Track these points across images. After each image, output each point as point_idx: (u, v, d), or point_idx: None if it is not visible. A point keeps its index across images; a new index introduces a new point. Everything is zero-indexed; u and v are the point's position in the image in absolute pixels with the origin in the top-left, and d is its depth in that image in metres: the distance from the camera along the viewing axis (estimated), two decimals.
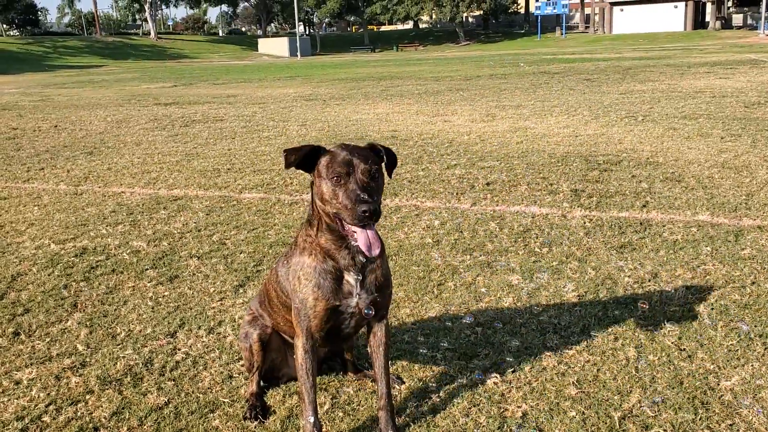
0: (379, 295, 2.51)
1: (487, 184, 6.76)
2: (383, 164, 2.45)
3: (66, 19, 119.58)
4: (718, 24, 69.52)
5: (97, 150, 9.92)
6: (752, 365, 3.06)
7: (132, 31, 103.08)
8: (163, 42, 79.77)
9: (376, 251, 2.33)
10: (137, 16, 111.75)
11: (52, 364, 3.29)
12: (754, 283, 4.01)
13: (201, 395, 2.96)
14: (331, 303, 2.45)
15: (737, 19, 72.36)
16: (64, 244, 5.24)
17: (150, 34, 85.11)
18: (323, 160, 2.35)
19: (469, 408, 2.80)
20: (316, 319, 2.47)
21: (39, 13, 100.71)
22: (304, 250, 2.49)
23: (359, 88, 20.25)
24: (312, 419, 2.53)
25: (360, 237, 2.32)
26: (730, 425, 2.63)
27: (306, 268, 2.47)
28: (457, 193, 6.42)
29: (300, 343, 2.51)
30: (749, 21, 70.56)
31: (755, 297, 3.80)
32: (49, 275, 4.55)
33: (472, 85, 19.13)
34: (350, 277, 2.45)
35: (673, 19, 70.37)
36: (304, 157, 2.39)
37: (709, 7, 72.19)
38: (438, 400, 2.87)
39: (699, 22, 71.75)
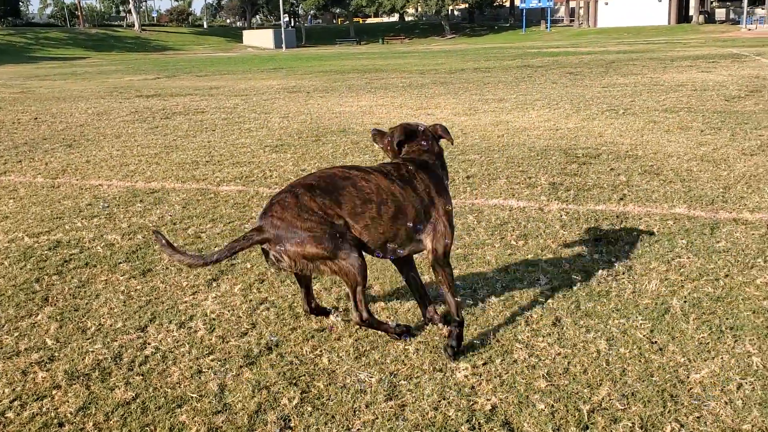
0: None
1: (467, 177, 6.75)
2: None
3: (48, 10, 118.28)
4: (701, 18, 69.96)
5: (77, 142, 9.82)
6: (722, 358, 3.07)
7: (116, 23, 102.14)
8: (147, 34, 79.14)
9: None
10: (121, 8, 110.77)
11: (20, 358, 3.24)
12: (727, 275, 4.03)
13: (169, 390, 2.93)
14: None
15: (720, 13, 72.87)
16: (38, 238, 5.18)
17: (134, 25, 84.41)
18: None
19: (439, 401, 2.79)
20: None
21: (21, 3, 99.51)
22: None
23: (343, 80, 20.18)
24: None
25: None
26: (698, 418, 2.64)
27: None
28: None
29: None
30: (732, 15, 71.05)
31: (728, 290, 3.82)
32: (21, 269, 4.49)
33: (457, 79, 19.12)
34: None
35: (657, 13, 70.76)
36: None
37: (693, 2, 72.63)
38: (408, 393, 2.86)
39: (683, 16, 72.19)
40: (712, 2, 75.73)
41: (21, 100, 16.97)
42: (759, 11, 65.72)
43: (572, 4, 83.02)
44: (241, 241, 2.96)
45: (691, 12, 72.51)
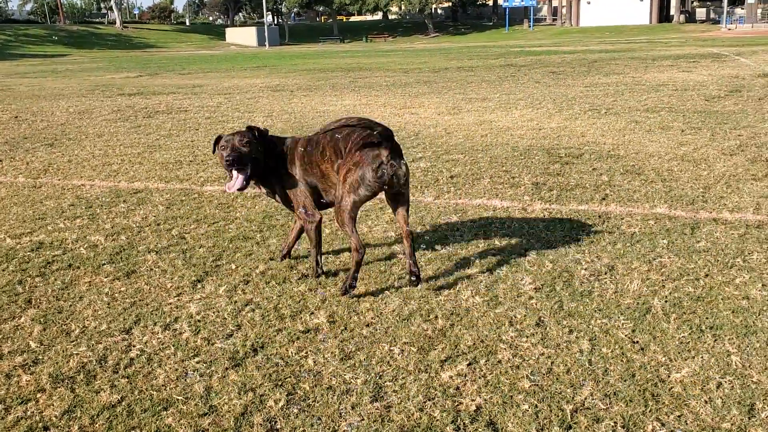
0: None
1: (451, 177, 6.78)
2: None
3: (28, 7, 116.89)
4: (682, 18, 70.56)
5: (58, 142, 9.75)
6: (702, 357, 3.12)
7: (97, 20, 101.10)
8: (129, 31, 78.51)
9: (231, 190, 3.91)
10: (102, 5, 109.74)
11: (3, 362, 3.23)
12: (707, 275, 4.08)
13: (155, 393, 2.93)
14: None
15: (701, 13, 73.52)
16: (20, 239, 5.14)
17: (115, 23, 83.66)
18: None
19: (424, 402, 2.81)
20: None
21: None
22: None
23: (327, 79, 20.16)
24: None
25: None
26: (679, 416, 2.68)
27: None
28: (421, 186, 6.43)
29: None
30: (712, 15, 71.73)
31: (708, 289, 3.87)
32: (3, 271, 4.46)
33: (440, 78, 19.17)
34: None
35: (638, 12, 71.27)
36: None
37: (674, 1, 73.21)
38: (394, 395, 2.88)
39: (664, 16, 72.75)
40: (692, 2, 76.39)
41: (1, 98, 16.80)
42: (738, 11, 66.39)
43: (555, 3, 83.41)
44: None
45: (672, 11, 73.10)
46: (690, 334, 3.34)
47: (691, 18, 72.43)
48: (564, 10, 77.58)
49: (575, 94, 13.69)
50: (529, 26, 73.74)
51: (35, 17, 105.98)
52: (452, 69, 22.60)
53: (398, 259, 4.49)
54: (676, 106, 11.35)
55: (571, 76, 17.80)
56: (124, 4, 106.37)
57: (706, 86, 14.10)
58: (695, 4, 76.61)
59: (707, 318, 3.51)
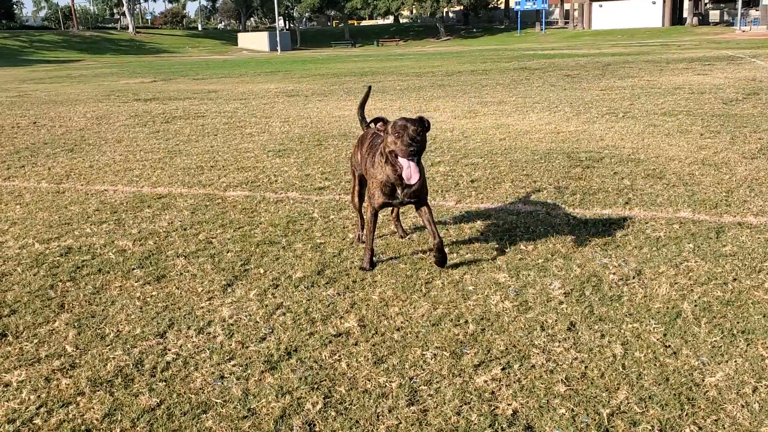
0: (414, 196, 4.27)
1: (472, 181, 6.80)
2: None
3: (42, 13, 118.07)
4: (695, 20, 70.23)
5: (78, 147, 9.84)
6: (735, 361, 3.12)
7: (110, 26, 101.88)
8: (142, 36, 79.03)
9: (413, 181, 3.97)
10: (115, 10, 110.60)
11: (41, 365, 3.28)
12: (735, 279, 4.08)
13: (193, 396, 2.97)
14: (386, 201, 4.28)
15: (714, 15, 73.14)
16: (49, 244, 5.20)
17: (128, 28, 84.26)
18: (391, 123, 4.06)
19: (460, 406, 2.83)
20: (377, 204, 4.31)
21: (14, 6, 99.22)
22: (377, 166, 4.23)
23: (341, 83, 20.23)
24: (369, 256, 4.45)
25: (405, 171, 3.97)
26: (716, 421, 2.69)
27: (377, 179, 4.23)
28: (441, 191, 6.46)
29: (369, 210, 4.39)
30: (726, 17, 71.35)
31: (737, 293, 3.87)
32: (34, 275, 4.52)
33: (454, 81, 19.19)
34: (399, 191, 4.21)
35: (651, 14, 71.03)
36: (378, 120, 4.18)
37: (687, 3, 72.93)
38: (429, 398, 2.91)
39: (676, 18, 72.49)
40: (706, 4, 76.05)
41: (18, 103, 16.96)
42: (753, 13, 65.99)
43: (566, 6, 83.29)
44: None
45: (685, 14, 72.84)
46: (722, 338, 3.35)
47: (704, 20, 72.08)
48: (576, 13, 77.45)
49: (591, 97, 13.67)
50: (541, 29, 73.64)
51: (49, 23, 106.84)
52: (465, 72, 22.62)
53: (424, 263, 4.51)
54: (694, 109, 11.32)
55: (585, 80, 17.78)
56: (137, 10, 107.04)
57: (723, 89, 14.05)
58: (708, 6, 76.25)
59: (738, 322, 3.51)
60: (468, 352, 3.29)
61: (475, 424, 2.71)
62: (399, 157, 3.97)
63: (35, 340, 3.56)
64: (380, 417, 2.78)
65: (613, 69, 21.17)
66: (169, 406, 2.89)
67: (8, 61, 50.11)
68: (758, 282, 4.03)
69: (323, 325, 3.65)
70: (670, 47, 35.73)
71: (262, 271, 4.47)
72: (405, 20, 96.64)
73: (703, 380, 2.97)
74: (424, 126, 4.03)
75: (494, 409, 2.80)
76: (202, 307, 3.91)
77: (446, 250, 4.72)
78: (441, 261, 4.30)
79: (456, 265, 4.46)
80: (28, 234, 5.49)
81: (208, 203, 6.29)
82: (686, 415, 2.73)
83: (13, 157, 9.09)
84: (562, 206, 5.77)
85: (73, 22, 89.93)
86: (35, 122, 12.91)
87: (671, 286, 4.00)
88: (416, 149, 3.91)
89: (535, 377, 3.04)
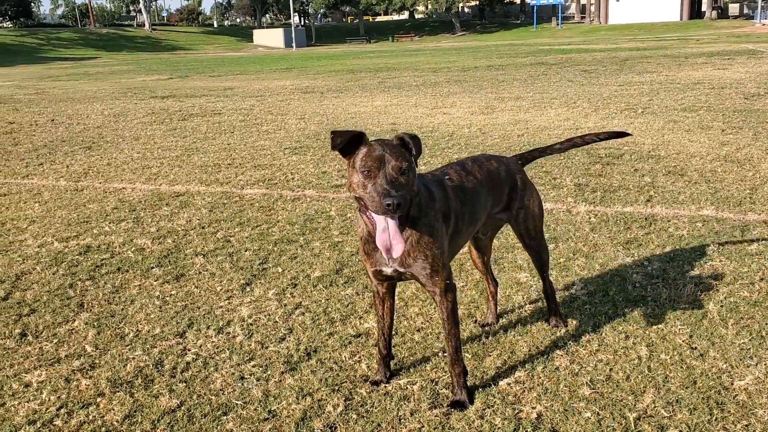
0: (409, 269, 2.70)
1: None
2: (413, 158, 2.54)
3: (59, 11, 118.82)
4: (714, 13, 69.40)
5: (96, 144, 9.87)
6: (765, 364, 3.05)
7: (126, 23, 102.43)
8: (158, 33, 79.35)
9: (394, 254, 2.52)
10: (131, 8, 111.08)
11: (61, 366, 3.27)
12: (762, 279, 4.00)
13: (213, 397, 2.94)
14: (375, 266, 2.75)
15: (733, 8, 72.24)
16: (68, 242, 5.21)
17: (144, 25, 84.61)
18: (360, 152, 2.53)
19: (484, 409, 2.78)
20: (370, 273, 2.83)
21: (32, 4, 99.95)
22: (359, 220, 2.73)
23: (356, 79, 20.18)
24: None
25: (379, 237, 2.51)
26: (746, 426, 2.63)
27: (360, 234, 2.77)
28: None
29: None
30: (746, 10, 70.50)
31: (764, 294, 3.80)
32: (53, 274, 4.52)
33: (470, 77, 19.09)
34: (385, 255, 2.57)
35: (668, 8, 70.29)
36: (347, 143, 2.57)
37: None
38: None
39: (695, 12, 71.69)
40: None
41: (36, 101, 17.06)
42: None
43: (583, 1, 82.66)
44: None
45: (704, 7, 72.01)
46: (750, 340, 3.28)
47: (723, 14, 71.24)
48: (592, 8, 76.84)
49: (610, 93, 13.53)
50: (557, 24, 73.12)
51: (66, 21, 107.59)
52: (482, 68, 22.49)
53: None
54: (714, 105, 11.16)
55: (603, 75, 17.62)
56: (153, 7, 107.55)
57: (744, 84, 13.85)
58: None
59: (767, 323, 3.44)
60: (490, 353, 3.24)
61: (498, 428, 2.67)
62: (370, 211, 2.52)
63: (55, 340, 3.55)
64: (402, 420, 2.74)
65: (631, 64, 20.97)
66: (189, 408, 2.87)
67: (26, 59, 50.46)
68: None
69: (342, 325, 3.61)
70: (688, 41, 35.33)
71: (280, 270, 4.44)
72: (420, 16, 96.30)
73: (732, 383, 2.91)
74: (411, 152, 2.52)
75: (518, 413, 2.75)
76: (221, 307, 3.89)
77: (466, 252, 4.68)
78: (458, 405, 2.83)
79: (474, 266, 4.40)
80: (47, 232, 5.50)
81: (225, 201, 6.27)
82: (715, 419, 2.67)
83: (32, 155, 9.13)
84: (582, 204, 5.70)
85: (90, 19, 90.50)
86: (53, 120, 12.97)
87: (696, 286, 3.93)
88: (397, 200, 2.37)
89: (559, 380, 2.98)
